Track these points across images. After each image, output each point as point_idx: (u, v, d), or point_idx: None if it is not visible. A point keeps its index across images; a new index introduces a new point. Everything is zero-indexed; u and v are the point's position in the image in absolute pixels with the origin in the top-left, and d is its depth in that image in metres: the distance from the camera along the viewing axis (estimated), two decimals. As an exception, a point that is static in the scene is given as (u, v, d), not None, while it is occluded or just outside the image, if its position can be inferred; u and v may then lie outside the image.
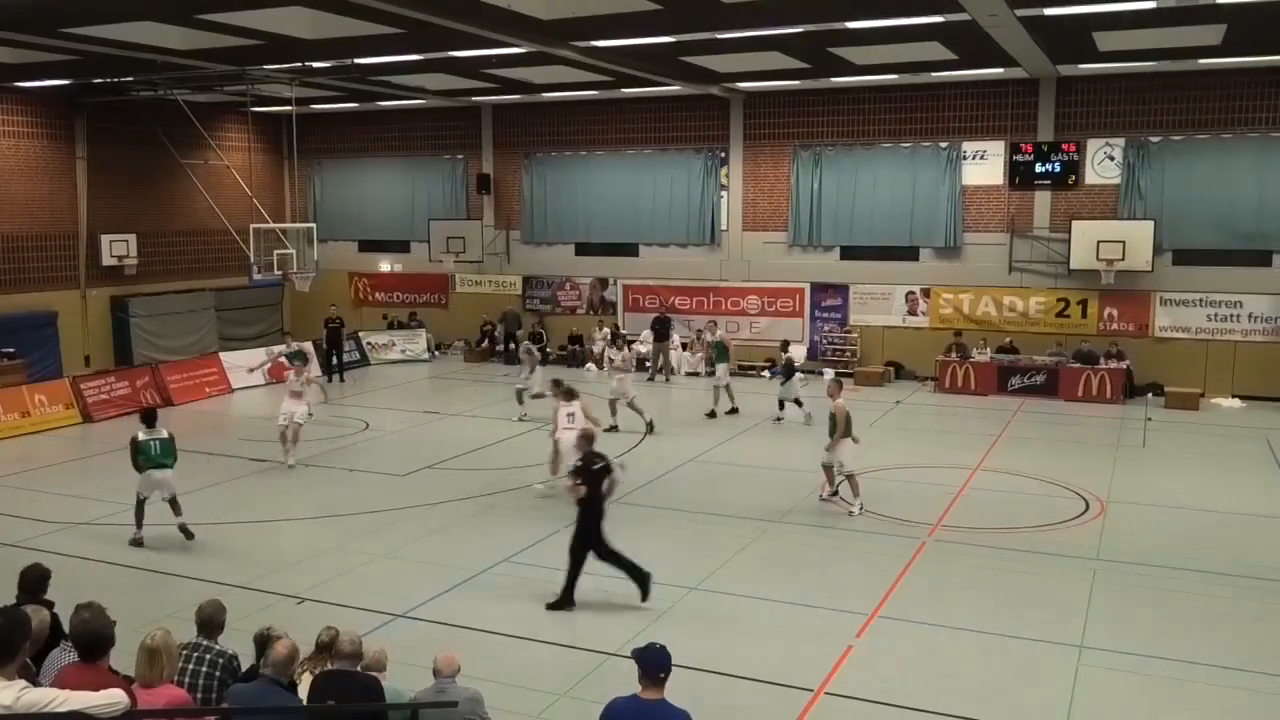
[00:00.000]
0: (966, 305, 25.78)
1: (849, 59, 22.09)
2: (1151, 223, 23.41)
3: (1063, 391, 23.54)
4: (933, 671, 9.45)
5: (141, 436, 13.16)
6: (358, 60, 21.84)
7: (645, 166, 29.01)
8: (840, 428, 14.64)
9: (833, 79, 25.07)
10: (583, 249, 30.01)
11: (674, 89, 26.21)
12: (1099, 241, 23.58)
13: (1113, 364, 23.61)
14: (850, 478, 14.64)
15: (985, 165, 25.39)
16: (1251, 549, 13.08)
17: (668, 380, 26.49)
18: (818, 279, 27.22)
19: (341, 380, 26.25)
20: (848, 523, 14.10)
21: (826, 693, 9.01)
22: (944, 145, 25.75)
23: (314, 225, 27.97)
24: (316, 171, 32.91)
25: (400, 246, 32.21)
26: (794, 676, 9.26)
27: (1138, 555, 12.75)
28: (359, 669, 6.70)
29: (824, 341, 27.03)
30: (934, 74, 24.10)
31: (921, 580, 11.81)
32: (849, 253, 26.90)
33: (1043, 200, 24.93)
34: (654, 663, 5.95)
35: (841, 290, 27.02)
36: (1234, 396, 23.16)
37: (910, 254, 26.31)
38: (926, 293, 26.16)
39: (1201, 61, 22.18)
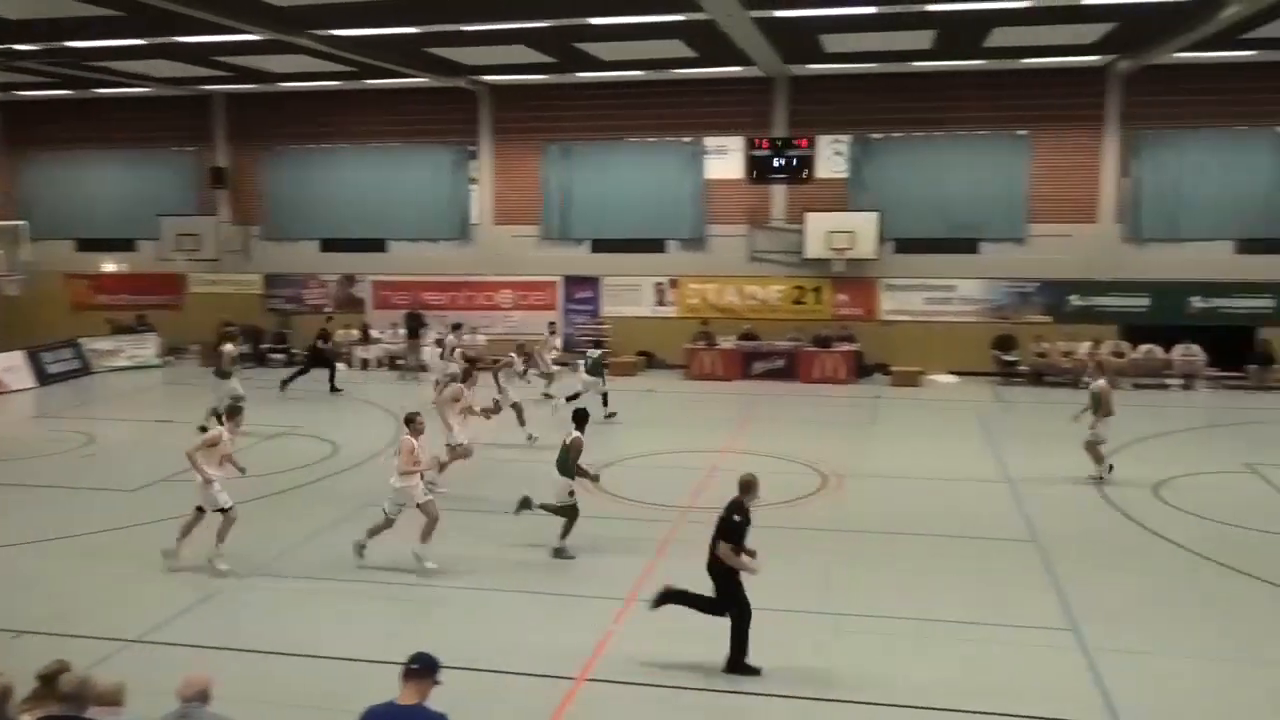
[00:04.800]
0: (712, 294, 26.80)
1: (595, 54, 22.43)
2: (876, 214, 25.17)
3: (801, 374, 24.95)
4: (689, 651, 9.75)
5: None
6: (70, 44, 20.08)
7: (392, 160, 28.34)
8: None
9: (580, 74, 25.38)
10: (329, 245, 29.00)
11: (420, 81, 25.73)
12: (830, 232, 25.15)
13: (845, 347, 25.24)
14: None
15: (726, 160, 26.47)
16: (969, 511, 14.32)
17: (417, 379, 25.87)
18: (570, 272, 27.52)
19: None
20: (603, 510, 14.34)
21: (588, 679, 9.14)
22: (687, 140, 26.64)
23: (23, 223, 25.55)
24: (27, 165, 30.05)
25: (125, 245, 30.00)
26: (555, 666, 9.34)
27: (871, 524, 13.72)
28: (91, 707, 6.16)
29: (578, 334, 27.35)
30: (677, 71, 24.86)
31: (676, 562, 12.15)
32: (600, 245, 27.36)
33: (779, 193, 26.28)
34: (408, 666, 5.86)
35: (593, 283, 27.45)
36: (950, 373, 25.31)
37: (658, 246, 27.07)
38: (674, 283, 27.00)
39: (915, 64, 24.04)
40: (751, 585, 10.78)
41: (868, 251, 25.13)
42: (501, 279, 27.87)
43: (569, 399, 19.96)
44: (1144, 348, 24.53)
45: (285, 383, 23.27)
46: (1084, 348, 24.31)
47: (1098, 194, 24.99)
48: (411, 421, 12.21)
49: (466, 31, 19.93)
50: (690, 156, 26.66)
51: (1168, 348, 24.35)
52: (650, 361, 26.74)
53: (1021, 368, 24.77)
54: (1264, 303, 24.40)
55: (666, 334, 26.63)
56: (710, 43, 20.50)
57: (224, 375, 19.44)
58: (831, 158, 26.03)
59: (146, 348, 28.10)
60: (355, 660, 9.41)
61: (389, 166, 28.36)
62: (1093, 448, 15.72)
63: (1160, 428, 19.50)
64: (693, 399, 23.40)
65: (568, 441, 12.70)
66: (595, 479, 12.87)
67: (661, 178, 26.82)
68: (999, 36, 20.57)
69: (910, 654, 9.69)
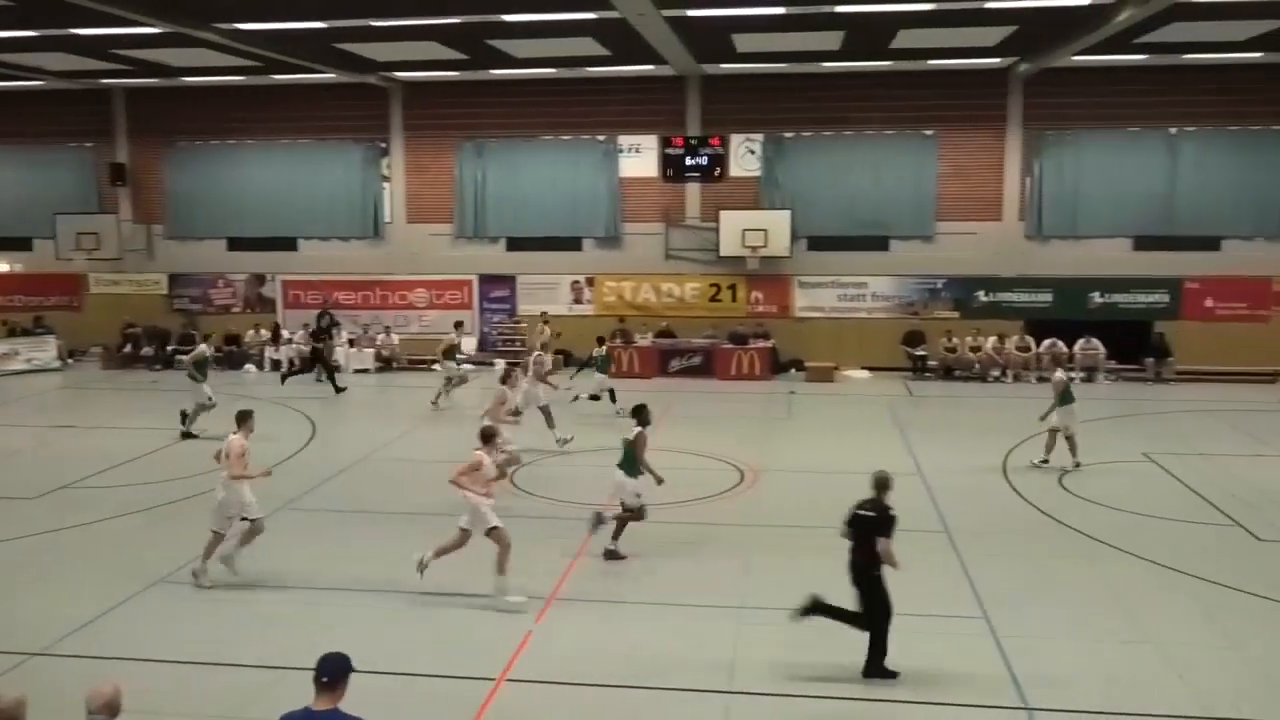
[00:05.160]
0: (628, 292, 26.89)
1: (508, 51, 22.31)
2: (789, 212, 25.51)
3: (718, 371, 25.18)
4: (609, 647, 9.80)
5: None
6: (-47, 34, 19.34)
7: (302, 157, 27.83)
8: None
9: (493, 71, 25.22)
10: (236, 244, 28.36)
11: (330, 76, 25.29)
12: (744, 230, 25.41)
13: (760, 343, 25.54)
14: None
15: (641, 158, 26.57)
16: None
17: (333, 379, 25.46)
18: (485, 270, 27.34)
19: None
20: (525, 509, 14.29)
21: (508, 680, 9.11)
22: (602, 139, 26.67)
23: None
24: (-91, 161, 28.80)
25: (21, 244, 28.91)
26: (474, 668, 9.29)
27: (789, 518, 13.91)
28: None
29: (494, 332, 27.21)
30: (590, 69, 24.87)
31: (596, 560, 12.21)
32: (515, 244, 27.24)
33: (693, 191, 26.47)
34: (321, 669, 5.77)
35: (509, 281, 27.31)
36: (863, 368, 25.78)
37: (574, 244, 27.05)
38: (591, 281, 27.02)
39: (825, 65, 24.43)
40: (676, 578, 10.89)
41: (781, 249, 25.46)
42: (415, 278, 27.57)
43: (592, 398, 20.50)
44: (1047, 342, 25.32)
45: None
46: (990, 342, 25.03)
47: (1002, 193, 25.71)
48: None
49: (376, 27, 19.66)
50: (605, 155, 26.70)
51: (1070, 342, 25.18)
52: (568, 360, 26.68)
53: (931, 362, 25.38)
54: (1159, 298, 25.39)
55: (583, 332, 26.57)
56: (623, 41, 20.55)
57: (198, 378, 19.09)
58: (745, 156, 26.31)
59: (45, 350, 27.14)
60: (270, 668, 9.23)
61: (298, 163, 27.83)
62: (1068, 439, 16.19)
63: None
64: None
65: (630, 438, 12.30)
66: (660, 480, 12.40)
67: (577, 176, 26.80)
68: (905, 38, 21.01)
69: (828, 645, 9.84)
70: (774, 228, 25.42)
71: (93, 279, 28.54)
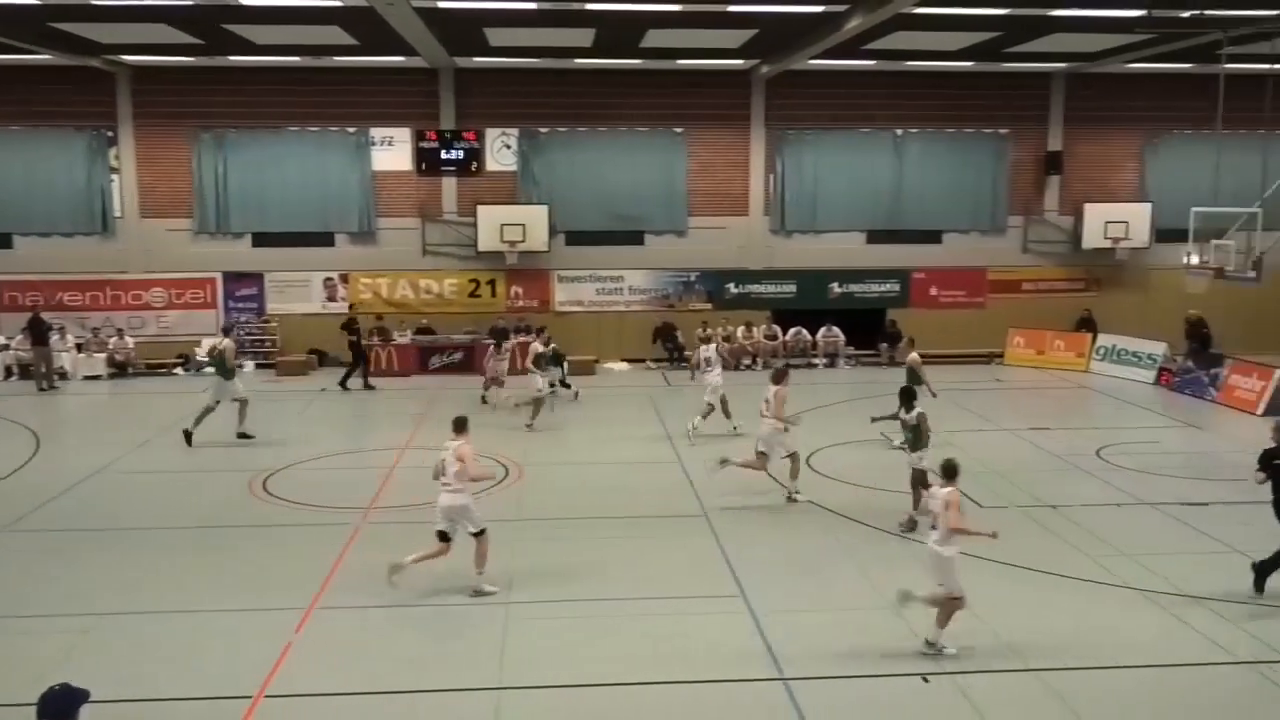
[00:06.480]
0: (385, 289, 26.25)
1: (247, 37, 21.24)
2: (546, 207, 25.64)
3: (479, 367, 24.93)
4: (374, 653, 9.57)
5: None
6: None
7: (15, 146, 25.39)
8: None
9: (232, 58, 23.94)
10: (-62, 241, 25.53)
11: (45, 58, 23.18)
12: (502, 225, 25.33)
13: (522, 338, 25.51)
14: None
15: (394, 151, 25.95)
16: (645, 491, 15.00)
17: (52, 386, 23.39)
18: (230, 268, 25.92)
19: None
20: (281, 519, 13.72)
21: (267, 695, 8.72)
22: (352, 131, 25.85)
23: None
24: None
25: None
26: (231, 686, 8.83)
27: (551, 511, 14.03)
28: None
29: (241, 333, 25.83)
30: (338, 59, 24.04)
31: (358, 564, 11.87)
32: (262, 240, 25.97)
33: (450, 186, 26.13)
34: (49, 707, 5.26)
35: (256, 279, 26.02)
36: (622, 360, 26.32)
37: (326, 240, 26.10)
38: (345, 278, 26.17)
39: (579, 61, 24.72)
40: (443, 576, 10.79)
41: (540, 244, 25.57)
42: (152, 277, 25.75)
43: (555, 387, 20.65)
44: (793, 330, 26.76)
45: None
46: (740, 332, 26.17)
47: (748, 189, 26.90)
48: None
49: (98, 6, 18.23)
50: (356, 147, 25.88)
51: (813, 330, 26.72)
52: (323, 360, 25.75)
53: (688, 353, 26.18)
54: (890, 287, 27.39)
55: (339, 331, 25.70)
56: (372, 30, 19.98)
57: (228, 374, 18.13)
58: (501, 151, 26.22)
59: None
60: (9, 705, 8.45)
61: (11, 152, 25.33)
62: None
63: (810, 403, 21.25)
64: (369, 396, 22.80)
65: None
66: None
67: (326, 169, 25.83)
68: (655, 38, 21.57)
69: (596, 634, 10.03)
70: (532, 222, 25.48)
71: None
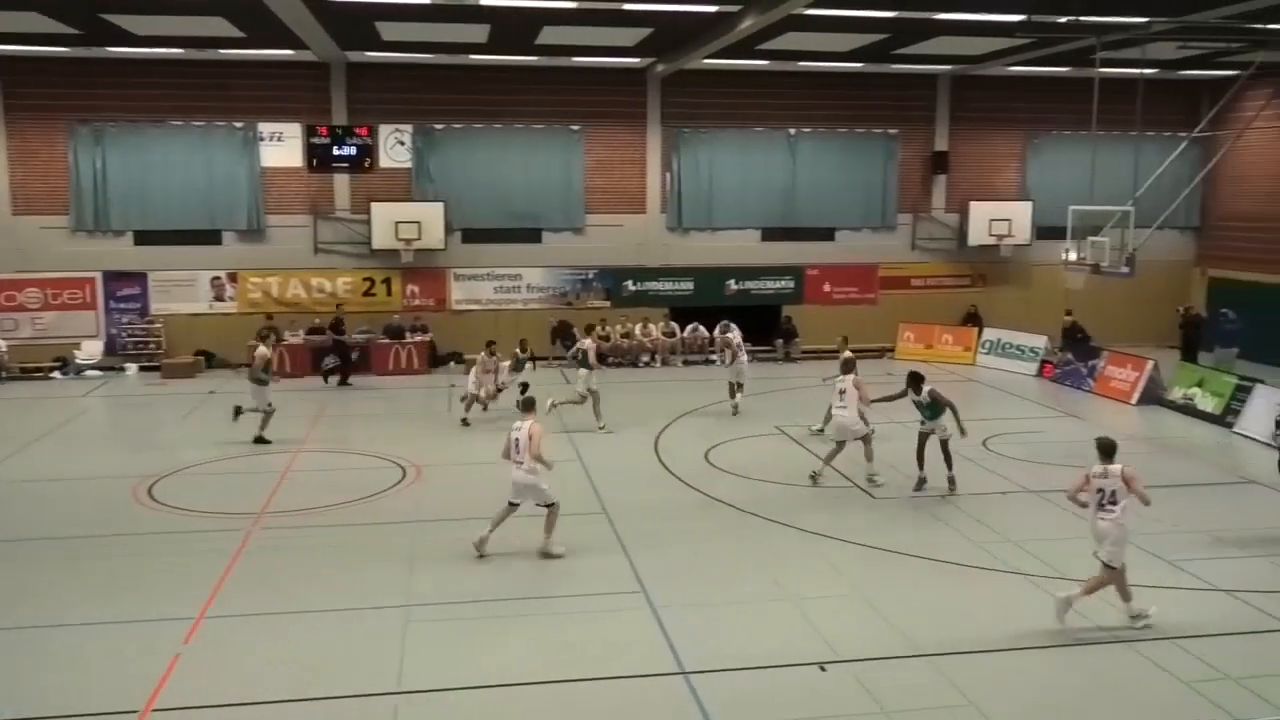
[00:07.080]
0: (275, 288, 25.60)
1: (126, 28, 20.47)
2: (442, 204, 25.34)
3: (375, 366, 24.61)
4: (267, 660, 9.34)
5: None
6: None
7: None
8: None
9: (111, 49, 23.03)
10: None
11: (-97, 46, 21.98)
12: (397, 222, 24.94)
13: (418, 337, 25.24)
14: None
15: (284, 147, 25.30)
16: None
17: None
18: (111, 267, 24.95)
19: None
20: (167, 526, 13.27)
21: (154, 710, 8.44)
22: (239, 126, 25.13)
23: None
24: None
25: None
26: (117, 702, 8.52)
27: (451, 511, 13.88)
28: None
29: (124, 334, 24.92)
30: (223, 51, 23.34)
31: (250, 571, 11.58)
32: (145, 238, 25.06)
33: (342, 183, 25.62)
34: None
35: (139, 278, 25.10)
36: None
37: (213, 238, 25.33)
38: (233, 277, 25.44)
39: (474, 57, 24.48)
40: (333, 587, 10.61)
41: (435, 242, 25.25)
42: (25, 276, 24.62)
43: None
44: (690, 327, 26.96)
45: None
46: (637, 328, 26.27)
47: (645, 187, 27.01)
48: None
49: (-37, -7, 17.37)
50: (244, 142, 25.15)
51: (710, 327, 26.93)
52: (210, 361, 25.00)
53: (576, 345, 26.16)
54: (785, 284, 27.82)
55: (227, 331, 25.01)
56: (258, 23, 19.43)
57: (261, 380, 17.88)
58: (395, 148, 25.79)
59: None
60: None
61: None
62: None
63: (707, 399, 21.52)
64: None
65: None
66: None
67: (212, 164, 25.04)
68: (550, 34, 21.49)
69: (496, 634, 9.96)
70: (427, 220, 25.13)
71: None
